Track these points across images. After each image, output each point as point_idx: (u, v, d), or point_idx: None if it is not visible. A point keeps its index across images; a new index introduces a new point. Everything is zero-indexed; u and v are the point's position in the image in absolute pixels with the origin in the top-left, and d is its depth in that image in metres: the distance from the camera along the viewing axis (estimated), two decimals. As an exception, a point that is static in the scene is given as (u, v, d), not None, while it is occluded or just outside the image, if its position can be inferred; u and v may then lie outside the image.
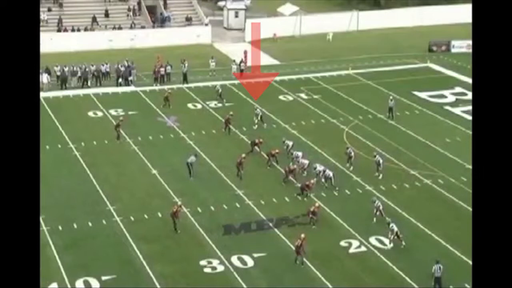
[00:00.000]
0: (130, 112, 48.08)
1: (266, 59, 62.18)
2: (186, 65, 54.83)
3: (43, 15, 64.76)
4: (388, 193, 36.73)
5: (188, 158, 38.09)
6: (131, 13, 67.59)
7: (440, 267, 28.12)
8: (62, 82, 52.73)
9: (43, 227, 32.53)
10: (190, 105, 50.23)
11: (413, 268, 29.85)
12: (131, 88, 53.38)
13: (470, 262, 28.57)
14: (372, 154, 39.63)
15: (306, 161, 38.49)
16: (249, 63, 58.03)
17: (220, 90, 50.28)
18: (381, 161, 38.57)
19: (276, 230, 32.98)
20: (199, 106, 50.14)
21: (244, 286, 28.76)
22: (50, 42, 60.14)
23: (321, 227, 33.21)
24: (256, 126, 44.99)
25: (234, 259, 30.46)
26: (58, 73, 53.10)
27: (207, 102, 50.45)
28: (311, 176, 37.12)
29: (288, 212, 34.64)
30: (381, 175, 38.23)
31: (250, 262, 30.32)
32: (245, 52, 58.51)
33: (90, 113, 48.24)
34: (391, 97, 47.79)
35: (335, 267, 30.18)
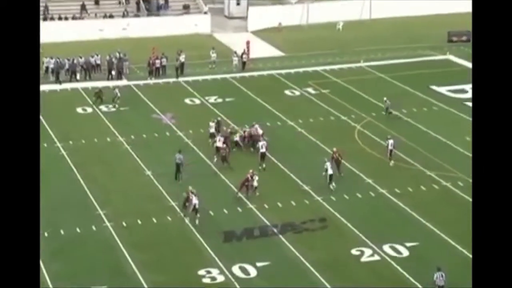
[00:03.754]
0: (122, 108, 48.05)
1: (270, 51, 62.10)
2: (183, 56, 54.80)
3: (27, 2, 64.72)
4: (403, 196, 36.64)
5: (176, 158, 37.95)
6: (123, 0, 67.52)
7: (442, 275, 28.14)
8: (56, 74, 52.35)
9: (27, 233, 32.52)
10: (187, 101, 50.17)
11: (431, 279, 29.66)
12: (124, 82, 53.33)
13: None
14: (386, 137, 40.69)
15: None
16: (252, 55, 57.93)
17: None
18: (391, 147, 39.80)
19: (281, 236, 32.91)
20: (197, 101, 50.08)
21: (246, 298, 28.77)
22: (35, 31, 60.13)
23: (330, 234, 33.15)
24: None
25: (236, 268, 30.39)
26: (46, 65, 52.93)
27: (206, 97, 50.40)
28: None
29: (294, 217, 34.58)
30: (392, 163, 39.55)
31: (253, 272, 30.25)
32: (248, 43, 58.41)
33: (79, 109, 48.22)
34: (385, 98, 47.48)
35: (346, 277, 30.09)
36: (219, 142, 40.14)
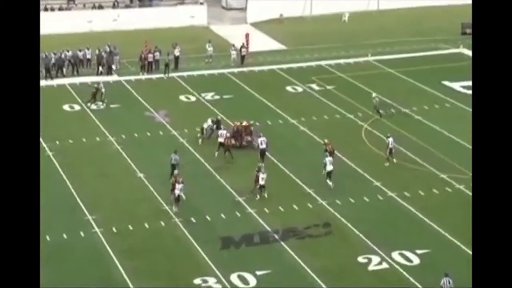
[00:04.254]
0: (112, 106, 48.03)
1: (271, 44, 62.13)
2: (178, 50, 54.80)
3: (11, -8, 64.74)
4: (414, 200, 36.61)
5: (171, 159, 37.96)
6: (113, -10, 67.62)
7: (449, 281, 28.27)
8: (48, 69, 52.31)
9: (11, 239, 32.49)
10: (182, 97, 50.18)
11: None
12: (114, 77, 53.32)
13: None
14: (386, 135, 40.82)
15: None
16: (251, 49, 57.93)
17: None
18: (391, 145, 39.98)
19: (282, 243, 32.89)
20: (193, 98, 50.07)
21: (246, 309, 28.79)
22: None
23: (335, 240, 33.14)
24: (200, 141, 42.56)
25: (234, 277, 30.34)
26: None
27: (203, 94, 50.40)
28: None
29: (297, 222, 34.54)
30: (394, 161, 39.82)
31: (252, 281, 30.20)
32: (247, 36, 58.40)
33: (66, 107, 48.20)
34: (374, 95, 47.27)
35: (352, 286, 30.02)
36: (221, 138, 40.66)
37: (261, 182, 36.16)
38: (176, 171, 36.14)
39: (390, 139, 40.29)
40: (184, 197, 35.05)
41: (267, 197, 36.38)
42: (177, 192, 34.90)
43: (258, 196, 36.30)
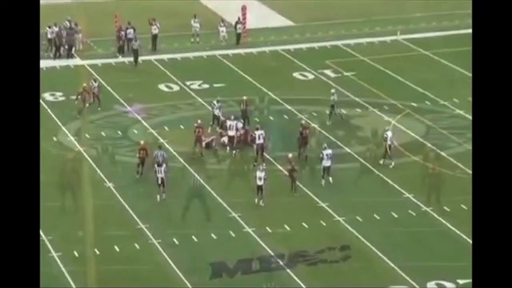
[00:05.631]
0: (72, 97, 47.93)
1: (274, 19, 62.25)
2: (156, 27, 54.81)
3: None
4: (455, 216, 36.61)
5: (155, 156, 38.23)
6: (75, -49, 67.77)
7: None
8: None
9: None
10: (162, 86, 50.25)
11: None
12: (75, 61, 53.39)
13: None
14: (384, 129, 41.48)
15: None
16: (249, 25, 57.96)
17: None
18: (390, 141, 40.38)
19: (288, 271, 32.92)
20: (175, 87, 50.12)
21: None
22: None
23: (355, 267, 33.15)
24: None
25: (227, 313, 30.52)
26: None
27: (188, 82, 50.45)
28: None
29: (307, 244, 34.57)
30: (392, 163, 40.25)
31: (250, 319, 30.38)
32: (244, 9, 58.42)
33: (15, 98, 48.23)
34: (332, 90, 46.92)
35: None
36: (231, 131, 41.64)
37: (259, 182, 36.50)
38: (142, 142, 38.04)
39: (389, 133, 40.46)
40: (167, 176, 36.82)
41: (267, 213, 36.41)
42: (160, 176, 36.23)
43: (256, 201, 36.52)
